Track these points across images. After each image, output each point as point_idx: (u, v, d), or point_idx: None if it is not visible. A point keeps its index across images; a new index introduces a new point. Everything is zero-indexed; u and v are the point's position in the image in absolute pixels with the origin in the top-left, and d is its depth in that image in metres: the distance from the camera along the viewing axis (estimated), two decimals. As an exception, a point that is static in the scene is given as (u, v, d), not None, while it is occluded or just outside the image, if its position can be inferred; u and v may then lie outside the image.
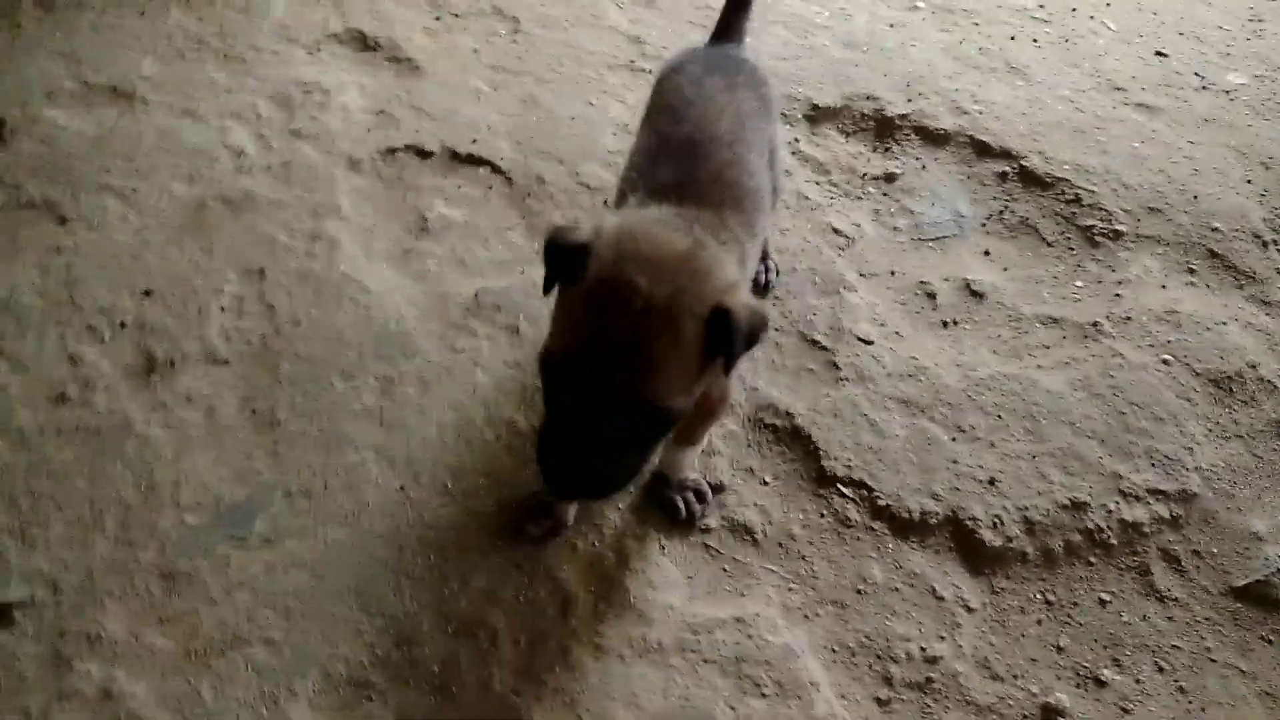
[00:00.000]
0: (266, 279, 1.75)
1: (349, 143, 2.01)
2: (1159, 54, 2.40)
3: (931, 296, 1.86)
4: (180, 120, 2.03)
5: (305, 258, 1.79)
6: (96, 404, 1.56)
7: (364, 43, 2.25)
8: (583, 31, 2.31)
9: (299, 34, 2.26)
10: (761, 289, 1.77)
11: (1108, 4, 2.53)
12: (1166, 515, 1.56)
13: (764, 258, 1.75)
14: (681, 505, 1.46)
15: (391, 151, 2.00)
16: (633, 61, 2.25)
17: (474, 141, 2.02)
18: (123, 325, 1.67)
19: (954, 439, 1.61)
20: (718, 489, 1.52)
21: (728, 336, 1.00)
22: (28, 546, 1.40)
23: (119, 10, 2.29)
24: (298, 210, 1.87)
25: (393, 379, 1.63)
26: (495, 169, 1.99)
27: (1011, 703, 1.36)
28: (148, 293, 1.71)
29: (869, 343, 1.74)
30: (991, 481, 1.56)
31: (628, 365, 1.00)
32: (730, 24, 1.61)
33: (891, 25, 2.39)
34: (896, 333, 1.78)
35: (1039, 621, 1.45)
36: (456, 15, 2.33)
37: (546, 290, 1.08)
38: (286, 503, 1.46)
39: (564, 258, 1.04)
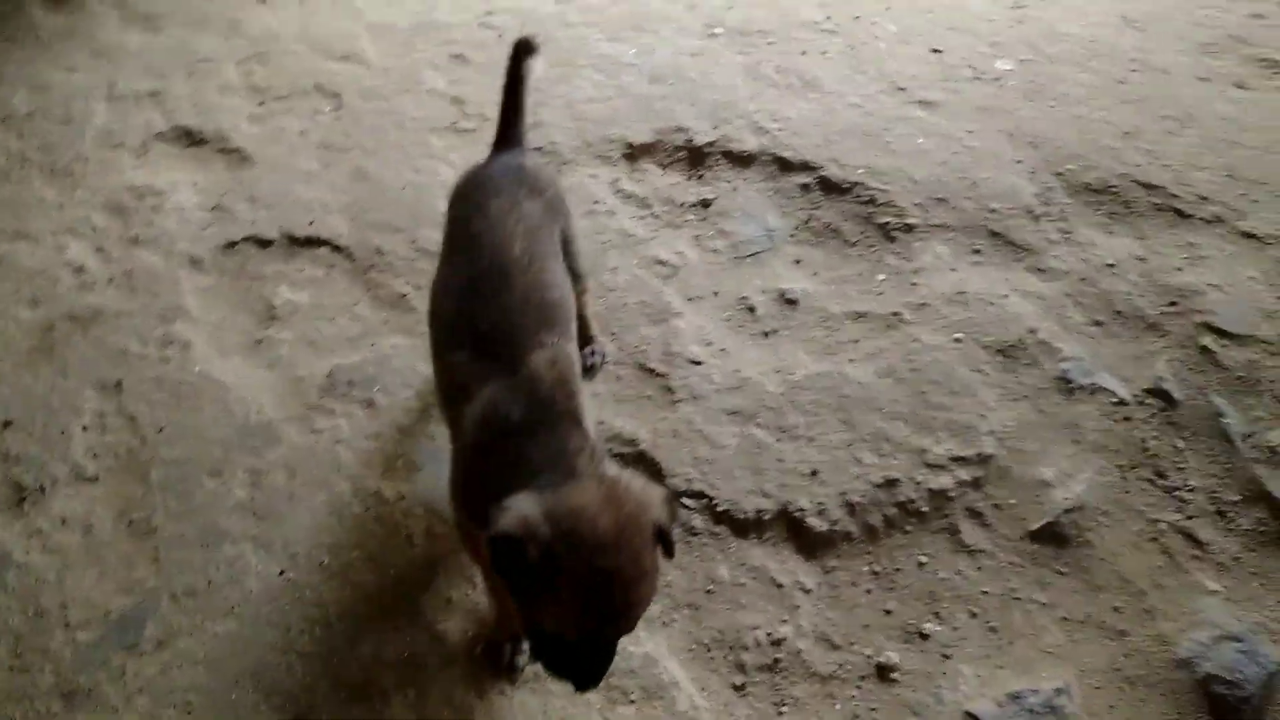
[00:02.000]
0: (124, 391, 1.82)
1: (188, 242, 2.08)
2: (935, 51, 2.64)
3: (751, 310, 2.05)
4: (15, 244, 2.07)
5: (159, 364, 1.87)
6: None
7: (191, 138, 2.32)
8: (404, 99, 2.42)
9: (124, 138, 2.31)
10: (588, 371, 1.88)
11: (887, 8, 2.77)
12: (968, 478, 1.79)
13: (589, 340, 1.88)
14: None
15: (231, 245, 2.08)
16: (455, 123, 2.37)
17: (310, 223, 2.12)
18: (-14, 459, 1.73)
19: (778, 440, 1.81)
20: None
21: (667, 541, 1.18)
22: (-78, 691, 1.46)
23: (-65, 137, 2.30)
24: (146, 318, 1.95)
25: (260, 469, 1.73)
26: (334, 247, 2.09)
27: (850, 667, 1.56)
28: (7, 423, 1.77)
29: (698, 363, 1.92)
30: (814, 473, 1.76)
31: (629, 618, 1.15)
32: (507, 133, 1.72)
33: (693, 55, 2.58)
34: (723, 349, 1.96)
35: (868, 591, 1.66)
36: (279, 98, 2.42)
37: (520, 598, 1.17)
38: (173, 604, 1.56)
39: (529, 576, 1.13)
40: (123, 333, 1.92)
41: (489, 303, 1.40)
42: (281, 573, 1.60)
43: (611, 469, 1.25)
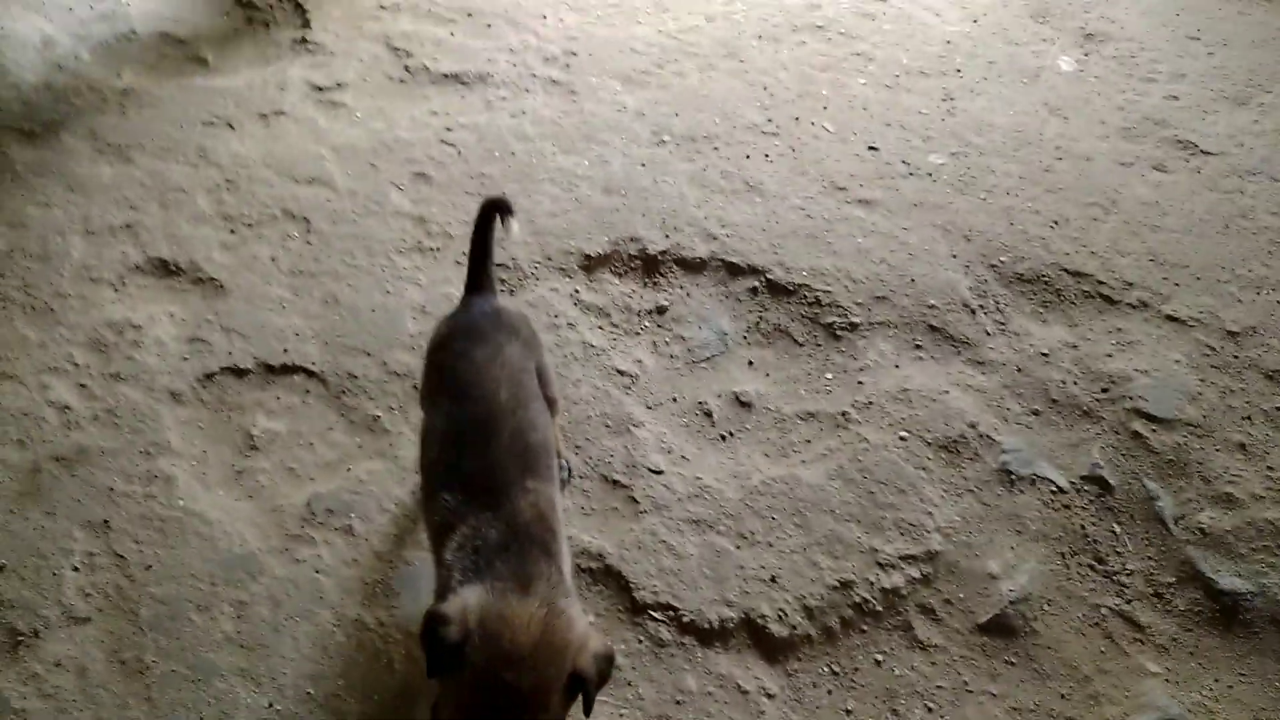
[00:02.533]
0: (112, 530, 1.90)
1: (168, 375, 2.17)
2: (871, 148, 2.80)
3: (709, 415, 2.16)
4: (0, 385, 2.15)
5: (145, 500, 1.95)
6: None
7: (166, 269, 2.42)
8: (370, 221, 2.53)
9: (102, 272, 2.41)
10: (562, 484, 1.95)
11: (824, 107, 2.93)
12: (918, 575, 1.90)
13: (557, 456, 1.96)
14: None
15: (210, 376, 2.17)
16: (420, 242, 2.49)
17: (285, 351, 2.22)
18: (-21, 606, 1.79)
19: (738, 547, 1.91)
20: None
21: (586, 692, 1.24)
22: None
23: (-84, 281, 2.38)
24: (130, 454, 2.03)
25: (245, 602, 1.81)
26: (308, 374, 2.19)
27: (813, 770, 1.65)
28: (0, 568, 1.84)
29: (659, 473, 2.03)
30: (773, 579, 1.86)
31: None
32: (479, 278, 1.81)
33: (643, 164, 2.72)
34: (683, 456, 2.07)
35: (829, 692, 1.76)
36: (249, 225, 2.52)
37: (431, 674, 1.25)
38: (165, 746, 1.63)
39: (441, 655, 1.22)
40: (108, 471, 2.00)
41: (477, 449, 1.50)
42: (269, 704, 1.68)
43: (572, 606, 1.34)
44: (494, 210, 1.82)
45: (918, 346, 2.31)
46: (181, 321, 2.30)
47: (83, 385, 2.16)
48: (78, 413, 2.10)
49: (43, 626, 1.77)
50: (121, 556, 1.87)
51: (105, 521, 1.92)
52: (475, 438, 1.51)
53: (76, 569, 1.85)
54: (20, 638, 1.75)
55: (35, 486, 1.97)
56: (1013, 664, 1.82)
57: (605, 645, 1.30)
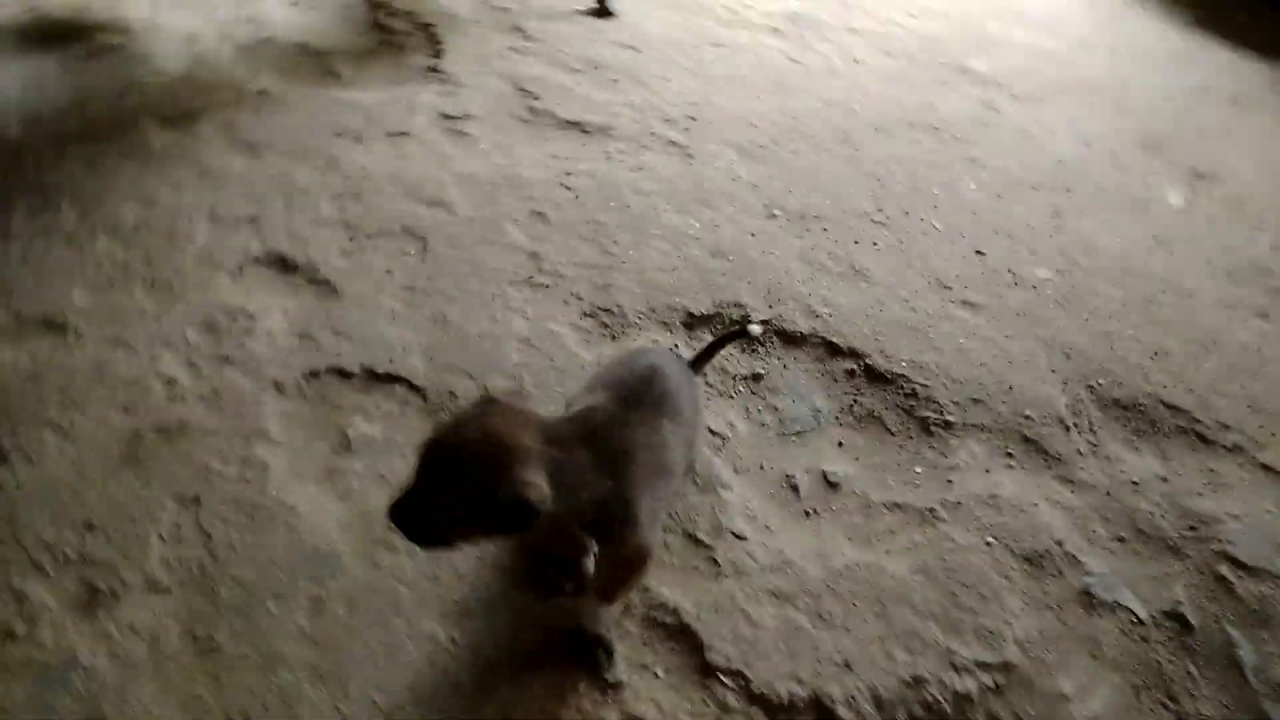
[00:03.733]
0: (203, 506, 1.93)
1: (275, 367, 2.22)
2: (978, 252, 2.83)
3: (795, 489, 2.16)
4: (113, 351, 2.21)
5: (238, 483, 1.98)
6: (43, 639, 1.70)
7: (284, 265, 2.49)
8: (485, 249, 2.60)
9: (222, 258, 2.48)
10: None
11: (934, 206, 2.98)
12: (991, 684, 1.86)
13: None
14: (593, 657, 1.76)
15: (315, 374, 2.22)
16: (531, 277, 2.54)
17: (390, 361, 2.26)
18: (66, 559, 1.82)
19: (815, 626, 1.89)
20: (615, 686, 1.75)
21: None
22: (-19, 794, 1.52)
23: (46, 239, 2.47)
24: (229, 436, 2.06)
25: (322, 599, 1.82)
26: (411, 386, 2.23)
27: None
28: (89, 526, 1.87)
29: (743, 538, 2.02)
30: (847, 664, 1.84)
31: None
32: (699, 359, 2.09)
33: (753, 234, 2.77)
34: (767, 526, 2.07)
35: (892, 788, 1.72)
36: (369, 235, 2.60)
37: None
38: (228, 730, 1.63)
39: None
40: (206, 449, 2.03)
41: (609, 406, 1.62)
42: (335, 706, 1.67)
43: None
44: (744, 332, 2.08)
45: (1009, 454, 2.30)
46: (293, 317, 2.35)
47: (192, 363, 2.21)
48: (184, 388, 2.15)
49: (122, 589, 1.79)
50: (208, 534, 1.89)
51: (197, 497, 1.94)
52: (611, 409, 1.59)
53: (163, 538, 1.87)
54: (99, 596, 1.77)
55: (134, 453, 2.01)
56: (1081, 792, 1.77)
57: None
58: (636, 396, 1.65)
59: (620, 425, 1.55)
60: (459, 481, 1.29)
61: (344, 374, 2.23)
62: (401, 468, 2.06)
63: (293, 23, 3.54)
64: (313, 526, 1.93)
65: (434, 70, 3.31)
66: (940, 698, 1.82)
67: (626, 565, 1.60)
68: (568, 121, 3.12)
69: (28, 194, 2.61)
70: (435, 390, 2.22)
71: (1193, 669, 1.98)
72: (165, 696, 1.65)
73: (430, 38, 3.48)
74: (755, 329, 2.11)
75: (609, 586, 1.65)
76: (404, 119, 3.04)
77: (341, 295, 2.42)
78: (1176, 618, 2.04)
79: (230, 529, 1.90)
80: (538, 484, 1.31)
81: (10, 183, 2.64)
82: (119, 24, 3.40)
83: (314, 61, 3.35)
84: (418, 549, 1.44)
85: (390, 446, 2.10)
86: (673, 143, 3.08)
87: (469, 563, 1.91)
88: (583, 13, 3.74)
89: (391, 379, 2.23)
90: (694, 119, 3.19)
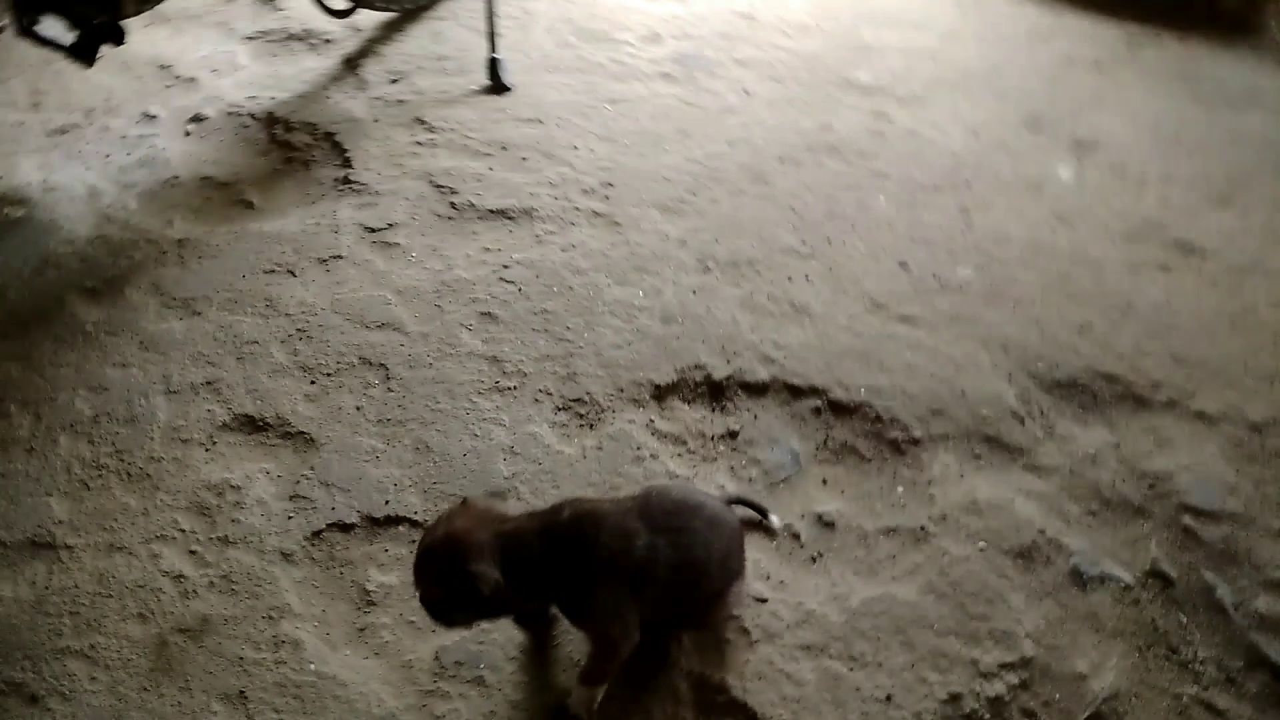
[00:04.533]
0: (250, 700, 1.95)
1: (276, 536, 2.24)
2: (902, 265, 3.01)
3: (796, 537, 2.29)
4: (110, 558, 2.20)
5: (276, 667, 2.01)
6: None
7: (254, 425, 2.50)
8: (446, 363, 2.65)
9: (191, 432, 2.48)
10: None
11: (853, 226, 3.14)
12: (1016, 681, 2.03)
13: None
14: None
15: (317, 534, 2.25)
16: (498, 382, 2.61)
17: (386, 503, 2.31)
18: (130, 790, 1.83)
19: (850, 669, 2.03)
20: (688, 776, 1.86)
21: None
22: None
23: (6, 454, 2.42)
24: (253, 620, 2.09)
25: (391, 763, 1.87)
26: (412, 523, 2.27)
27: None
28: (141, 750, 1.88)
29: (764, 600, 2.15)
30: (889, 698, 1.98)
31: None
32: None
33: (694, 292, 2.88)
34: (781, 581, 2.19)
35: (954, 806, 1.87)
36: (328, 375, 2.62)
37: None
38: None
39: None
40: (234, 639, 2.05)
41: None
42: None
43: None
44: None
45: (977, 456, 2.48)
46: (279, 479, 2.37)
47: (193, 551, 2.22)
48: (193, 581, 2.16)
49: (195, 802, 1.81)
50: (261, 726, 1.92)
51: (241, 692, 1.97)
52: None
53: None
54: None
55: (165, 661, 2.02)
56: (1115, 764, 1.95)
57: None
58: (645, 508, 1.86)
59: (591, 521, 1.79)
60: (429, 578, 1.74)
61: (345, 527, 2.26)
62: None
63: (190, 155, 3.50)
64: (361, 692, 1.97)
65: (346, 181, 3.32)
66: (977, 707, 1.98)
67: (592, 646, 1.88)
68: (491, 211, 3.19)
69: (-29, 407, 2.55)
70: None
71: (1183, 619, 2.20)
72: None
73: (334, 146, 3.49)
74: (775, 521, 2.28)
75: (584, 669, 1.90)
76: (330, 241, 3.06)
77: (319, 445, 2.45)
78: (1158, 575, 2.25)
79: (284, 716, 1.93)
80: (485, 571, 1.67)
81: (-51, 398, 2.58)
82: (13, 195, 3.31)
83: (223, 194, 3.33)
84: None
85: (410, 592, 2.15)
86: (596, 213, 3.17)
87: (519, 690, 1.98)
88: (478, 91, 3.79)
89: (393, 520, 2.28)
90: (611, 184, 3.29)
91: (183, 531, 2.26)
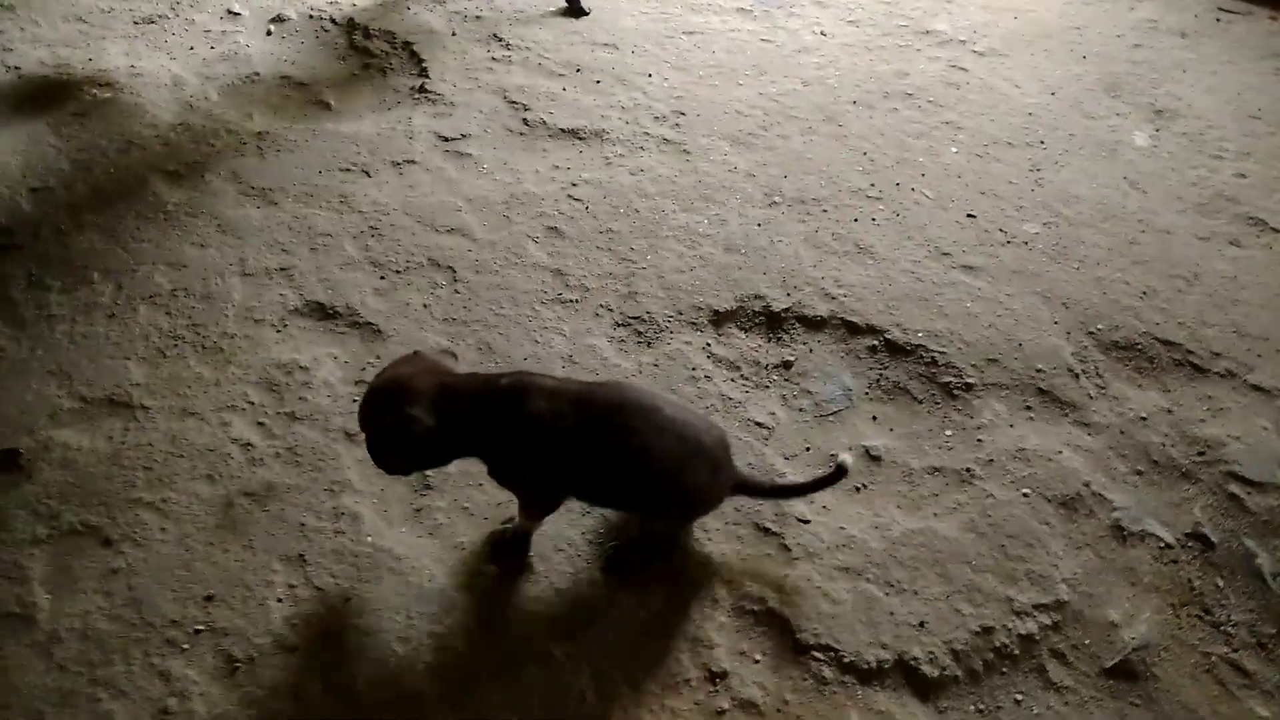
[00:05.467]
0: (308, 563, 2.05)
1: (340, 416, 2.33)
2: (969, 215, 3.00)
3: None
4: (183, 422, 2.30)
5: (335, 536, 2.10)
6: (197, 711, 1.83)
7: (324, 312, 2.57)
8: (511, 272, 2.70)
9: (263, 313, 2.56)
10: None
11: (922, 174, 3.14)
12: (1049, 622, 2.07)
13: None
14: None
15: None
16: (560, 294, 2.66)
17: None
18: (196, 632, 1.93)
19: (887, 594, 2.08)
20: (722, 675, 1.93)
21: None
22: None
23: (89, 317, 2.53)
24: (315, 491, 2.18)
25: (442, 634, 1.96)
26: (472, 417, 2.35)
27: (971, 802, 1.82)
28: (209, 598, 1.98)
29: (807, 522, 2.20)
30: (922, 624, 2.04)
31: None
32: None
33: (759, 225, 2.90)
34: (824, 507, 2.24)
35: (977, 729, 1.93)
36: (398, 272, 2.69)
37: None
38: (383, 766, 1.78)
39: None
40: (297, 507, 2.14)
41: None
42: (472, 732, 1.83)
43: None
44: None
45: (1028, 407, 2.49)
46: (345, 364, 2.45)
47: (260, 423, 2.31)
48: (260, 450, 2.25)
49: (256, 653, 1.91)
50: (320, 589, 2.02)
51: (301, 555, 2.07)
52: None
53: (280, 600, 2.00)
54: (237, 664, 1.90)
55: (230, 520, 2.12)
56: (1137, 705, 2.00)
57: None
58: (586, 396, 1.92)
59: (526, 392, 1.86)
60: (368, 417, 1.85)
61: (408, 415, 2.34)
62: (479, 498, 2.20)
63: (271, 55, 3.56)
64: (414, 567, 2.06)
65: (422, 90, 3.36)
66: (1008, 642, 2.03)
67: (519, 501, 2.05)
68: (562, 130, 3.21)
69: (58, 270, 2.65)
70: (496, 418, 2.35)
71: (1220, 582, 2.22)
72: (317, 745, 1.80)
73: (412, 56, 3.52)
74: (847, 459, 2.09)
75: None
76: (405, 146, 3.11)
77: (386, 336, 2.52)
78: (1199, 538, 2.27)
79: (340, 581, 2.03)
80: (418, 415, 1.77)
81: (38, 260, 2.68)
82: (101, 77, 3.39)
83: (301, 94, 3.38)
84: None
85: (466, 479, 2.23)
86: (667, 140, 3.19)
87: (565, 580, 2.06)
88: (555, 13, 3.79)
89: (454, 413, 2.35)
90: (682, 114, 3.30)
91: (251, 404, 2.35)
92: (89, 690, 1.84)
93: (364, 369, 2.44)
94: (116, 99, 3.30)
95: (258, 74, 3.48)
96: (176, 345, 2.48)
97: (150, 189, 2.93)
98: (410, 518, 2.16)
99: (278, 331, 2.53)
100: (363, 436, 1.92)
